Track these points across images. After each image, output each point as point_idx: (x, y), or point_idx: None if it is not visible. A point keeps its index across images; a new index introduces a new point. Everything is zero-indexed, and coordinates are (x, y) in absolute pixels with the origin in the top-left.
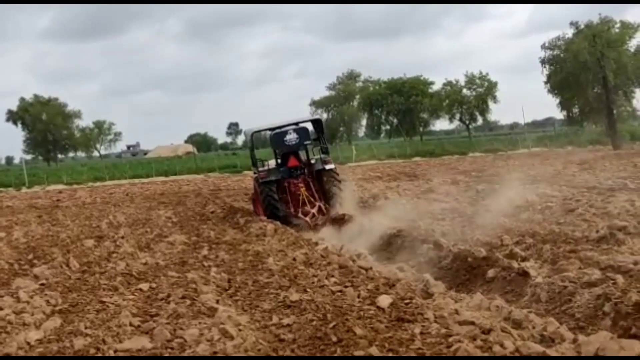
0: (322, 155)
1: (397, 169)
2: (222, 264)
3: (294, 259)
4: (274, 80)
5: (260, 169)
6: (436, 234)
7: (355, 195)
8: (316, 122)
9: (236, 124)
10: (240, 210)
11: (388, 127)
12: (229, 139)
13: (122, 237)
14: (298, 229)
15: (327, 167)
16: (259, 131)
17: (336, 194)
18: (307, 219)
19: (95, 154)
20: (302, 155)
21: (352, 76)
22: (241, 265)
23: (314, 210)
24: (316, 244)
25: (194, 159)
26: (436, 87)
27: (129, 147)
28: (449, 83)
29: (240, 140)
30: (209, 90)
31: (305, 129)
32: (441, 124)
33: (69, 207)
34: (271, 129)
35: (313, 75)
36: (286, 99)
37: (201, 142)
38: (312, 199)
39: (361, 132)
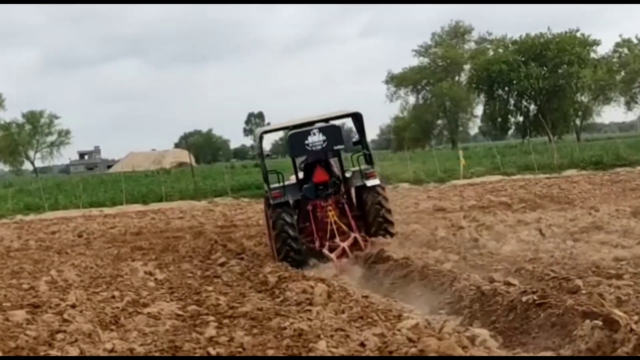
0: (363, 167)
1: (537, 190)
2: (240, 351)
3: (362, 344)
4: (327, 42)
5: (274, 185)
6: (607, 303)
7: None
8: (355, 118)
9: (260, 116)
10: (270, 260)
11: (521, 118)
12: (248, 141)
13: (73, 307)
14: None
15: (370, 183)
16: (271, 131)
17: (383, 221)
18: (334, 256)
19: (27, 166)
20: (335, 166)
21: (457, 33)
22: (273, 354)
23: (347, 244)
24: (399, 317)
25: (192, 174)
26: (603, 49)
27: (82, 156)
28: (626, 43)
29: (266, 142)
30: (216, 60)
31: (336, 128)
32: (613, 114)
33: None
34: (288, 128)
35: (390, 33)
36: (346, 73)
37: (203, 146)
38: (345, 229)
39: (474, 126)
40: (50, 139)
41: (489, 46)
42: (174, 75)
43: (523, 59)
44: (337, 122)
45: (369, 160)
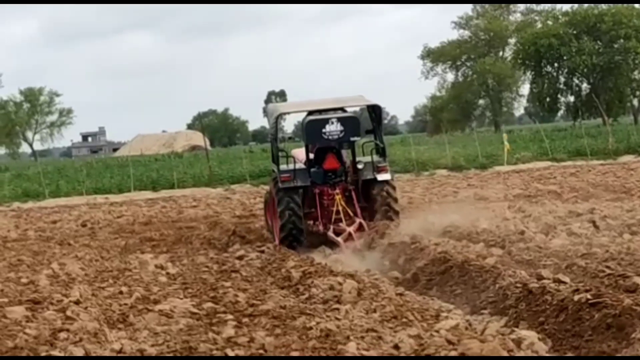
0: (376, 159)
1: (590, 177)
2: (261, 353)
3: (396, 347)
4: (358, 14)
5: (283, 168)
6: None
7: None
8: (373, 109)
9: (282, 94)
10: (293, 253)
11: (571, 98)
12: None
13: (77, 303)
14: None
15: (380, 177)
16: (288, 113)
17: (389, 216)
18: (341, 239)
19: (25, 149)
20: (346, 155)
21: (501, 3)
22: (297, 356)
23: (352, 229)
24: (437, 317)
25: (206, 158)
26: None
27: (86, 138)
28: None
29: (290, 124)
30: (234, 33)
31: (354, 119)
32: None
33: None
34: (306, 112)
35: (427, 5)
36: (378, 47)
37: (218, 127)
38: (350, 213)
39: (519, 107)
40: (50, 118)
41: (536, 18)
42: (187, 49)
43: (575, 32)
44: (353, 111)
45: (382, 152)
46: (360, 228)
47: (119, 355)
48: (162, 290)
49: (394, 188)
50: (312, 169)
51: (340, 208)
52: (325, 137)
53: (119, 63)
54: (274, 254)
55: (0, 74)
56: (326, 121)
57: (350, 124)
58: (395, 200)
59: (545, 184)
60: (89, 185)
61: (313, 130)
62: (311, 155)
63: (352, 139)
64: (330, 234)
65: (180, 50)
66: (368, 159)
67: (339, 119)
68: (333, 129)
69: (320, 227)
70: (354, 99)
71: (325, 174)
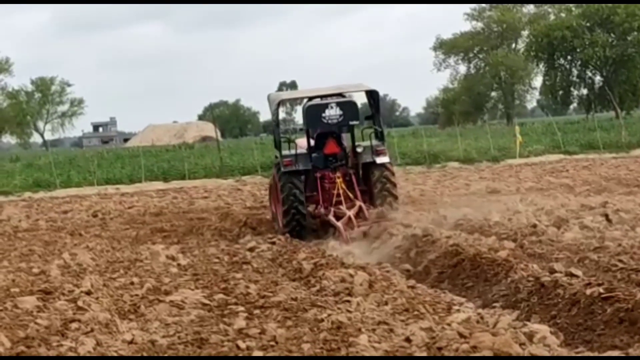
0: (374, 142)
1: (602, 171)
2: (272, 344)
3: (408, 340)
4: (369, 5)
5: (285, 152)
6: None
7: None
8: (371, 95)
9: (293, 85)
10: (304, 245)
11: (584, 91)
12: (279, 113)
13: (89, 293)
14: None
15: (379, 160)
16: (288, 100)
17: (388, 198)
18: (340, 224)
19: (36, 138)
20: (345, 139)
21: (506, 4)
22: (308, 349)
23: (352, 212)
24: (448, 310)
25: (217, 149)
26: None
27: (97, 128)
28: None
29: (299, 114)
30: (246, 23)
31: (353, 104)
32: None
33: None
34: (305, 98)
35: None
36: (390, 38)
37: (229, 118)
38: (351, 196)
39: (532, 100)
40: (61, 108)
41: (549, 10)
42: (198, 40)
43: (588, 24)
44: (351, 97)
45: (381, 136)
46: (361, 212)
47: (131, 346)
48: (173, 281)
49: (392, 169)
50: (313, 154)
51: (340, 191)
52: (325, 121)
53: (130, 53)
54: (285, 245)
55: (12, 63)
56: (325, 106)
57: (349, 108)
58: (394, 181)
59: (558, 177)
60: (99, 176)
61: (313, 115)
62: (313, 141)
63: (351, 122)
64: (331, 217)
65: (192, 40)
66: (368, 143)
67: (338, 104)
68: (332, 113)
69: (322, 210)
70: (354, 85)
71: (326, 158)
